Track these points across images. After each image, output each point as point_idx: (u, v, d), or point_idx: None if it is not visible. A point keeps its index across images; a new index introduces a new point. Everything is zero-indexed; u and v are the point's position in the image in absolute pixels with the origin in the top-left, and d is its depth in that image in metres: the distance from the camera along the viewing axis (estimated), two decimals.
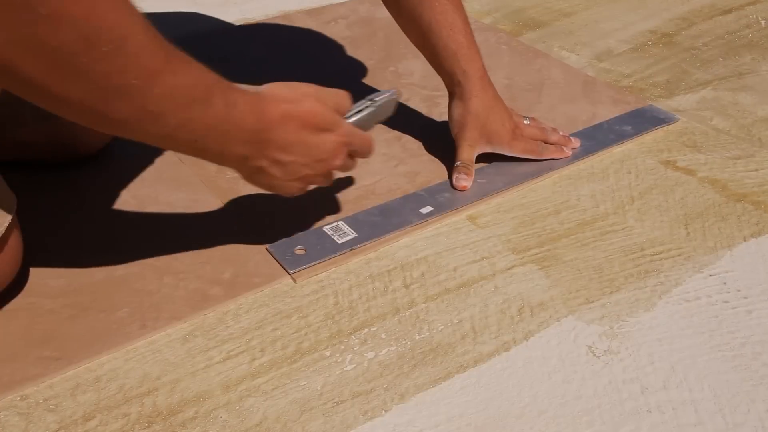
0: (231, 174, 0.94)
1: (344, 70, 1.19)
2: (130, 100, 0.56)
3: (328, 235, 0.82)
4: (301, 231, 0.83)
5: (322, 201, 0.88)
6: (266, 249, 0.81)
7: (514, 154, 0.93)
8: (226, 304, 0.74)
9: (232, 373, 0.67)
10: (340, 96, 0.74)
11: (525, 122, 0.94)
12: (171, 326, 0.72)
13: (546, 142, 0.95)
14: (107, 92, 0.55)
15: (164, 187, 0.91)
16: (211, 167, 0.95)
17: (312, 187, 0.76)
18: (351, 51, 1.25)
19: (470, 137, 0.92)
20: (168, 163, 0.96)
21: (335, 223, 0.84)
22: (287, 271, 0.77)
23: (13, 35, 0.50)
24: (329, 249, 0.80)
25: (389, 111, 0.83)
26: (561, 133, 0.96)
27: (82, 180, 0.93)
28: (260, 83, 1.15)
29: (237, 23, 1.36)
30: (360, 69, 1.19)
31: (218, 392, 0.65)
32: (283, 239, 0.82)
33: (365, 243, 0.81)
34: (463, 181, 0.90)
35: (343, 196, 0.89)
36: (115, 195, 0.90)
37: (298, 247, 0.80)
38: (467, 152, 0.92)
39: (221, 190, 0.91)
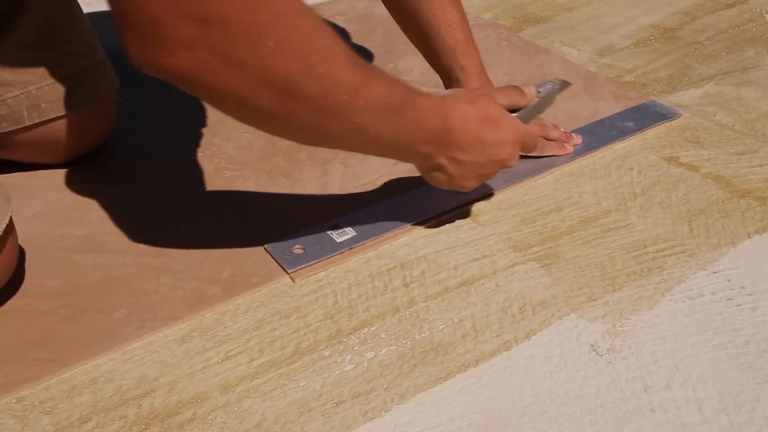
0: (229, 173, 0.94)
1: None
2: (341, 115, 0.62)
3: (327, 233, 0.82)
4: (300, 230, 0.83)
5: (321, 199, 0.88)
6: (264, 248, 0.80)
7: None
8: (224, 305, 0.74)
9: (230, 373, 0.67)
10: (514, 94, 0.79)
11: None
12: (168, 327, 0.71)
13: (547, 139, 0.94)
14: (323, 111, 0.60)
15: (161, 186, 0.91)
16: (209, 165, 0.95)
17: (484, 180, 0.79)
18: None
19: None
20: (164, 161, 0.96)
21: (334, 222, 0.84)
22: (286, 271, 0.77)
23: (249, 73, 0.55)
24: (328, 248, 0.80)
25: (551, 102, 0.86)
26: (562, 130, 0.96)
27: (78, 180, 0.93)
28: None
29: None
30: None
31: (216, 393, 0.65)
32: (282, 238, 0.82)
33: (365, 242, 0.81)
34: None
35: (342, 194, 0.89)
36: (111, 194, 0.90)
37: (297, 246, 0.80)
38: None
39: (218, 189, 0.91)
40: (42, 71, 0.87)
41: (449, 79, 0.93)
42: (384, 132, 0.66)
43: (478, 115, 0.73)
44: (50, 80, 0.88)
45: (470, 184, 0.77)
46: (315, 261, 0.78)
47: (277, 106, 0.59)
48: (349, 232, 0.82)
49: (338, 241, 0.81)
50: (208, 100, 0.61)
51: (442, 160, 0.73)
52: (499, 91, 0.79)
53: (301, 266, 0.78)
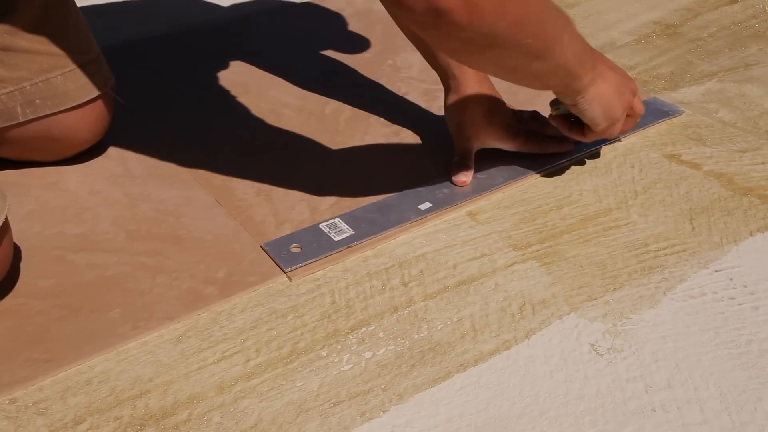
0: (224, 170, 0.93)
1: (341, 63, 1.19)
2: (549, 57, 0.72)
3: (325, 232, 0.82)
4: (297, 228, 0.83)
5: (318, 197, 0.88)
6: (261, 247, 0.80)
7: (514, 149, 0.92)
8: (221, 304, 0.74)
9: (226, 374, 0.67)
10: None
11: (524, 116, 0.94)
12: (164, 327, 0.71)
13: (545, 136, 0.94)
14: (540, 51, 0.71)
15: (156, 185, 0.91)
16: (204, 165, 0.95)
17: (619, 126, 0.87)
18: (348, 44, 1.25)
19: (468, 131, 0.91)
20: (160, 159, 0.96)
21: (332, 220, 0.84)
22: (282, 270, 0.77)
23: (514, 17, 0.65)
24: (326, 247, 0.80)
25: None
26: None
27: (72, 178, 0.93)
28: (255, 78, 1.15)
29: (232, 17, 1.36)
30: (357, 62, 1.19)
31: (212, 394, 0.65)
32: (279, 237, 0.81)
33: (363, 240, 0.81)
34: (463, 176, 0.89)
35: (339, 193, 0.89)
36: (106, 193, 0.90)
37: (294, 244, 0.80)
38: (465, 147, 0.91)
39: (214, 188, 0.90)
40: (36, 67, 0.87)
41: (447, 76, 0.93)
42: (567, 67, 0.76)
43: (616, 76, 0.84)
44: (44, 77, 0.88)
45: (619, 106, 0.84)
46: (312, 260, 0.78)
47: (521, 50, 0.68)
48: (346, 231, 0.82)
49: (336, 239, 0.81)
50: (456, 43, 0.67)
51: (598, 72, 0.80)
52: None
53: (298, 265, 0.78)
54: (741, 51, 1.20)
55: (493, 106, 0.91)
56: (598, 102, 0.82)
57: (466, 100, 0.91)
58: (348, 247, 0.80)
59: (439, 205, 0.86)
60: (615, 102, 0.84)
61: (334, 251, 0.79)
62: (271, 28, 1.31)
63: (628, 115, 0.89)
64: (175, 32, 1.31)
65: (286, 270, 0.77)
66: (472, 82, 0.91)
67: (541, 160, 0.93)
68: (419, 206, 0.86)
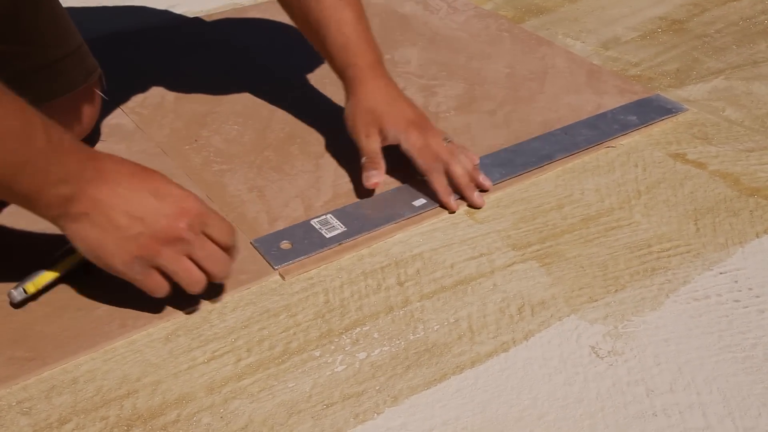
0: (217, 166, 0.94)
1: None
2: None
3: (316, 228, 0.82)
4: (288, 224, 0.83)
5: (313, 194, 0.89)
6: (251, 243, 0.81)
7: (409, 149, 0.87)
8: (211, 302, 0.74)
9: (216, 374, 0.67)
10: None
11: (444, 140, 0.88)
12: (152, 325, 0.72)
13: (448, 170, 0.86)
14: None
15: None
16: (196, 159, 0.95)
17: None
18: None
19: (364, 128, 0.88)
20: (151, 155, 0.96)
21: (323, 216, 0.84)
22: (272, 267, 0.77)
23: None
24: (317, 243, 0.80)
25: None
26: (474, 164, 0.89)
27: None
28: (248, 72, 1.15)
29: (223, 9, 1.36)
30: None
31: (202, 394, 0.65)
32: (269, 233, 0.82)
33: (355, 237, 0.81)
34: (374, 177, 0.86)
35: (335, 189, 0.89)
36: None
37: (284, 241, 0.81)
38: (367, 144, 0.88)
39: (206, 183, 0.91)
40: (5, 64, 0.83)
41: (345, 78, 0.91)
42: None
43: (134, 172, 0.67)
44: (14, 73, 0.85)
45: (126, 252, 0.66)
46: (303, 257, 0.79)
47: None
48: (338, 227, 0.82)
49: (327, 236, 0.81)
50: None
51: (85, 206, 0.64)
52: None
53: (288, 262, 0.78)
54: (749, 48, 1.21)
55: (389, 98, 0.89)
56: (82, 241, 0.66)
57: (359, 97, 0.89)
58: (339, 244, 0.80)
59: (434, 202, 0.86)
60: (116, 248, 0.65)
61: (326, 248, 0.80)
62: (264, 22, 1.32)
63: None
64: (164, 24, 1.32)
65: (276, 267, 0.77)
66: (368, 78, 0.89)
67: (539, 156, 0.94)
68: (413, 202, 0.86)
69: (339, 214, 0.85)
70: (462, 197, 0.87)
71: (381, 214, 0.84)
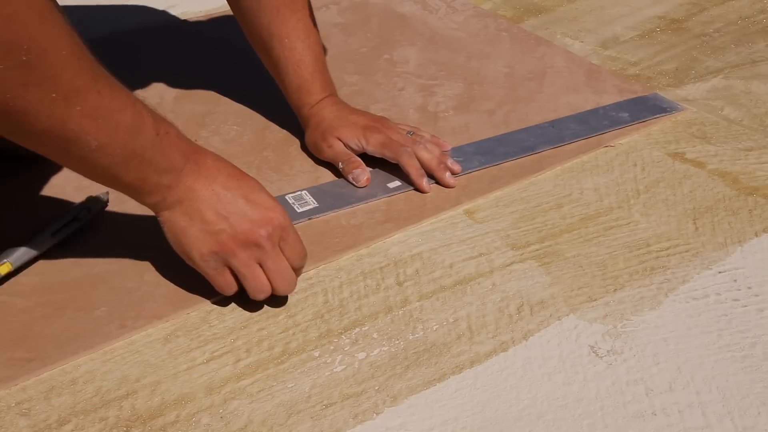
0: None
1: (336, 58, 1.19)
2: (49, 114, 0.57)
3: (290, 203, 0.86)
4: None
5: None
6: None
7: (374, 148, 0.89)
8: (210, 303, 0.74)
9: (215, 374, 0.67)
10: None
11: (407, 133, 0.92)
12: (152, 326, 0.72)
13: (417, 155, 0.89)
14: (25, 102, 0.56)
15: None
16: None
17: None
18: (343, 38, 1.25)
19: (324, 141, 0.91)
20: None
21: (298, 192, 0.87)
22: None
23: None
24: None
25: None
26: (445, 157, 0.91)
27: (58, 173, 0.93)
28: (244, 73, 1.15)
29: (223, 9, 1.36)
30: (353, 57, 1.20)
31: (201, 395, 0.65)
32: None
33: (325, 213, 0.85)
34: (361, 175, 0.89)
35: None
36: (92, 188, 0.90)
37: None
38: (334, 150, 0.91)
39: None
40: None
41: (301, 116, 0.96)
42: (108, 150, 0.62)
43: (232, 173, 0.70)
44: None
45: (207, 244, 0.68)
46: None
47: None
48: (311, 203, 0.86)
49: (298, 211, 0.84)
50: None
51: (180, 195, 0.67)
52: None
53: None
54: (748, 47, 1.21)
55: (345, 113, 0.93)
56: (169, 226, 0.70)
57: (317, 122, 0.93)
58: (309, 219, 0.84)
59: (408, 184, 0.89)
60: (196, 239, 0.68)
61: (295, 222, 0.82)
62: None
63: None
64: (164, 24, 1.32)
65: None
66: (323, 105, 0.93)
67: (521, 146, 0.96)
68: (388, 184, 0.89)
69: (314, 191, 0.88)
70: (433, 179, 0.90)
71: (354, 194, 0.87)
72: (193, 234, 0.68)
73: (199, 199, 0.68)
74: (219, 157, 0.71)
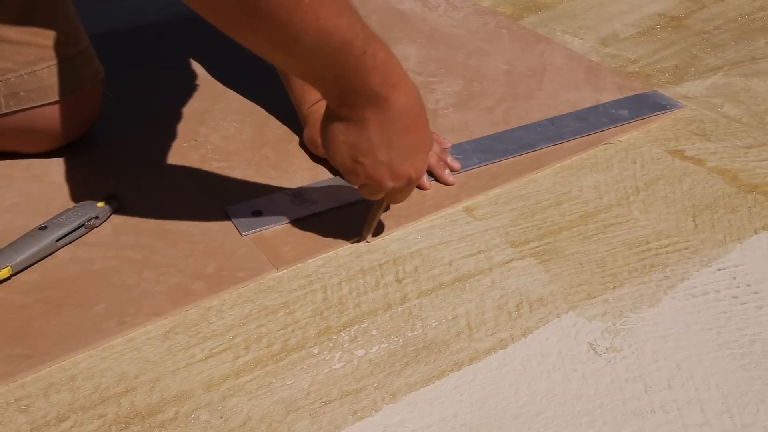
0: (215, 164, 0.94)
1: None
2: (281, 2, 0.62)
3: (288, 200, 0.86)
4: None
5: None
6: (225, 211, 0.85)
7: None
8: (209, 300, 0.74)
9: (214, 371, 0.67)
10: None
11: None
12: (150, 323, 0.72)
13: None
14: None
15: (144, 177, 0.91)
16: (193, 156, 0.95)
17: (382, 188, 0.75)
18: None
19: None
20: (147, 152, 0.96)
21: (297, 189, 0.88)
22: (240, 233, 0.81)
23: None
24: (286, 214, 0.84)
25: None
26: (445, 154, 0.92)
27: (58, 170, 0.93)
28: (244, 70, 1.15)
29: None
30: None
31: (200, 392, 0.65)
32: (242, 203, 0.86)
33: (324, 210, 0.85)
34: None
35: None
36: (91, 185, 0.90)
37: (256, 209, 0.85)
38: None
39: (205, 181, 0.91)
40: (22, 59, 0.87)
41: (300, 114, 0.97)
42: (320, 55, 0.66)
43: (411, 124, 0.72)
44: (30, 69, 0.88)
45: (347, 157, 0.73)
46: (268, 226, 0.82)
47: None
48: (309, 200, 0.86)
49: (297, 207, 0.85)
50: None
51: (354, 115, 0.70)
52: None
53: (256, 230, 0.82)
54: (747, 44, 1.21)
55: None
56: (338, 133, 0.73)
57: (319, 115, 0.92)
58: (310, 216, 0.84)
59: None
60: (377, 144, 0.72)
61: (294, 218, 0.83)
62: None
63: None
64: (163, 21, 1.31)
65: (243, 234, 0.81)
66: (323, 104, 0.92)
67: (520, 144, 0.96)
68: None
69: (313, 188, 0.88)
70: (433, 176, 0.90)
71: (353, 191, 0.86)
72: (353, 145, 0.72)
73: (374, 123, 0.71)
74: (411, 99, 0.72)
